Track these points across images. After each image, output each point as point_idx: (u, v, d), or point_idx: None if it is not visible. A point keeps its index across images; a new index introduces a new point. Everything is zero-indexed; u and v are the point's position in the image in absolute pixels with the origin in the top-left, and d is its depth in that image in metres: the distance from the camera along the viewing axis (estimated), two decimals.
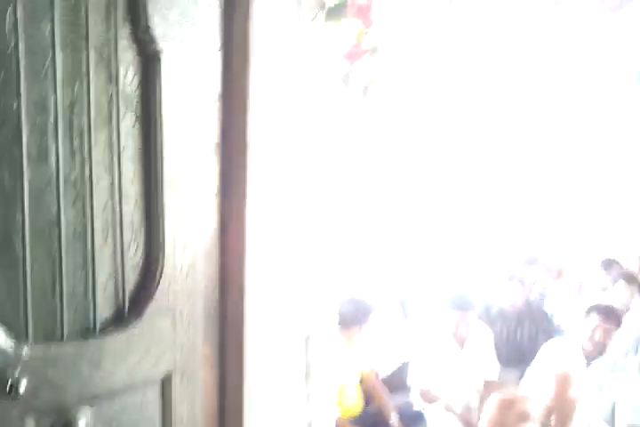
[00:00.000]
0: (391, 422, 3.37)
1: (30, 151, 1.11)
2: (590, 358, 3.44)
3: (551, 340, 3.73)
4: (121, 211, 1.27)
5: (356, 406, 3.39)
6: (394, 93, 3.02)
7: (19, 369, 1.08)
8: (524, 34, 3.83)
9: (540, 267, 5.61)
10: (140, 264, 1.33)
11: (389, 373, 4.08)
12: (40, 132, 1.13)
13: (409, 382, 3.77)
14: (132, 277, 1.31)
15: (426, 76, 3.64)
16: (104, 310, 1.26)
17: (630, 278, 4.53)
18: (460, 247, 5.87)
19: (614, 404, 3.34)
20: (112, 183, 1.25)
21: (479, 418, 3.43)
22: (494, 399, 2.83)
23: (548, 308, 4.99)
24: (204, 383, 1.47)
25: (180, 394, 1.39)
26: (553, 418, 2.52)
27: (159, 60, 1.28)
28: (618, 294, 4.43)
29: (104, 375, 1.24)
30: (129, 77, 1.27)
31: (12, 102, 1.07)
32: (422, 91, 3.88)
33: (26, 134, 1.10)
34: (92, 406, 1.23)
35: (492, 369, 3.85)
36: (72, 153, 1.18)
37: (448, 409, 3.60)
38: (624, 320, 4.32)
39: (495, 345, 3.97)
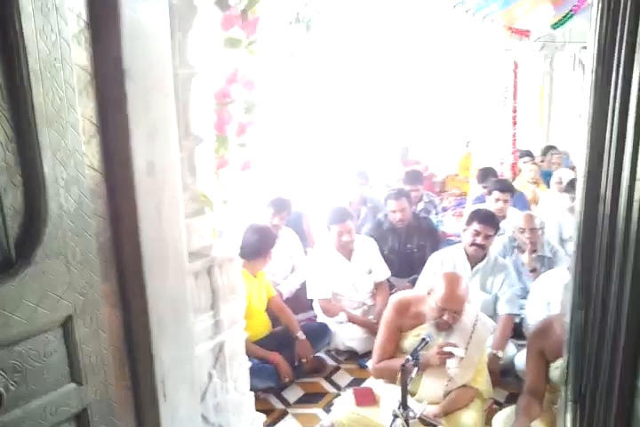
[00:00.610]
0: (298, 335, 3.54)
1: None
2: (474, 261, 3.76)
3: (440, 250, 4.01)
4: None
5: (263, 329, 3.54)
6: None
7: None
8: None
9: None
10: (22, 208, 1.25)
11: (292, 294, 4.27)
12: None
13: (309, 296, 3.98)
14: (15, 223, 1.24)
15: None
16: None
17: (503, 187, 4.87)
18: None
19: (496, 298, 3.72)
20: None
21: (376, 318, 3.72)
22: (390, 303, 3.05)
23: (434, 220, 5.31)
24: (108, 323, 1.45)
25: (83, 336, 1.37)
26: (445, 315, 2.74)
27: None
28: (494, 203, 4.78)
29: None
30: None
31: None
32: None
33: None
34: None
35: (381, 273, 4.13)
36: None
37: (350, 319, 3.85)
38: (501, 225, 4.73)
39: (387, 259, 4.24)
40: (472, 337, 2.89)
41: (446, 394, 2.85)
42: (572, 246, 3.37)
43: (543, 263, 4.12)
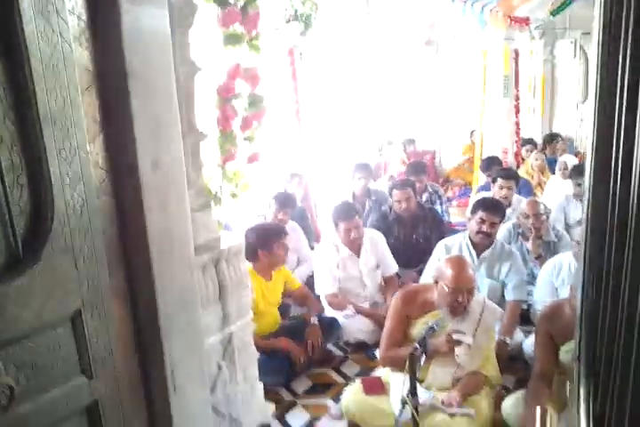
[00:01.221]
0: (312, 319, 3.55)
1: None
2: (480, 249, 3.77)
3: (446, 238, 4.02)
4: None
5: (273, 324, 3.53)
6: None
7: None
8: None
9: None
10: (28, 206, 1.27)
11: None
12: None
13: (317, 292, 3.97)
14: (22, 221, 1.26)
15: None
16: None
17: (507, 175, 4.87)
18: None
19: (503, 285, 3.73)
20: None
21: (384, 312, 3.73)
22: (398, 293, 3.07)
23: (439, 209, 5.32)
24: (116, 317, 1.48)
25: (92, 330, 1.40)
26: (460, 297, 2.75)
27: None
28: (498, 190, 4.79)
29: (9, 321, 1.23)
30: None
31: None
32: None
33: None
34: (1, 352, 1.22)
35: (390, 267, 4.13)
36: None
37: (358, 311, 3.86)
38: (507, 213, 4.74)
39: (393, 249, 4.22)
40: (480, 324, 2.91)
41: (455, 381, 2.87)
42: (578, 231, 3.42)
43: (549, 249, 4.13)
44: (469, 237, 3.80)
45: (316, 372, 3.49)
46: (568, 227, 4.73)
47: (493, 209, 3.76)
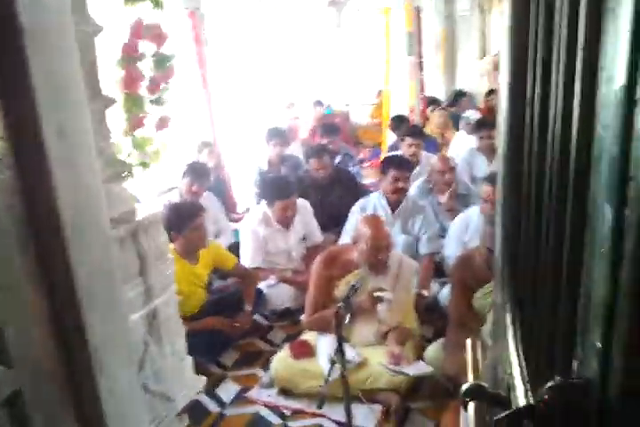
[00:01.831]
0: (246, 306, 3.47)
1: None
2: (394, 206, 3.86)
3: (361, 199, 4.07)
4: None
5: (198, 303, 3.39)
6: None
7: None
8: None
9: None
10: None
11: None
12: None
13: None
14: None
15: None
16: None
17: (414, 133, 4.99)
18: None
19: (417, 239, 3.86)
20: None
21: (307, 278, 3.76)
22: (319, 257, 3.10)
23: (352, 171, 5.39)
24: (32, 299, 1.38)
25: (6, 315, 1.29)
26: (380, 254, 2.81)
27: None
28: (407, 148, 4.90)
29: None
30: None
31: None
32: None
33: None
34: None
35: (316, 236, 4.15)
36: None
37: (281, 279, 3.87)
38: (416, 170, 4.87)
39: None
40: (398, 279, 3.01)
41: (379, 337, 2.96)
42: (481, 185, 3.57)
43: (459, 202, 4.29)
44: (383, 195, 3.88)
45: (244, 342, 3.45)
46: (473, 180, 4.91)
47: (403, 166, 3.88)
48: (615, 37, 0.51)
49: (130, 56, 1.69)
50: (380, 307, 2.91)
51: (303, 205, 4.09)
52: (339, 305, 2.60)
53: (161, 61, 1.77)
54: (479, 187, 4.57)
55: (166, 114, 1.90)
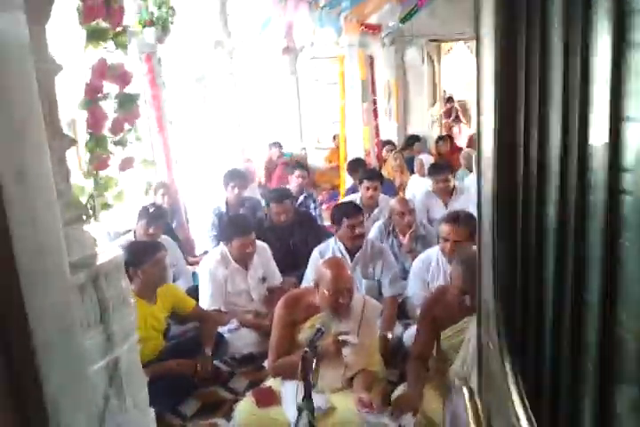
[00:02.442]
0: (206, 350, 3.34)
1: None
2: (353, 251, 3.86)
3: (320, 245, 4.04)
4: None
5: (156, 348, 3.27)
6: None
7: None
8: None
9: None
10: None
11: None
12: None
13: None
14: None
15: None
16: None
17: (372, 176, 5.06)
18: None
19: (379, 283, 3.85)
20: None
21: (269, 322, 3.67)
22: (281, 300, 3.03)
23: (313, 213, 5.39)
24: None
25: None
26: (340, 298, 2.76)
27: None
28: (365, 191, 4.95)
29: None
30: None
31: None
32: None
33: None
34: None
35: (276, 277, 4.09)
36: None
37: (242, 323, 3.77)
38: (375, 212, 4.91)
39: (273, 257, 4.18)
40: (362, 321, 2.96)
41: (344, 382, 2.89)
42: (441, 227, 3.62)
43: (418, 243, 4.33)
44: (340, 242, 3.86)
45: (204, 391, 3.28)
46: (430, 222, 4.99)
47: (355, 212, 3.86)
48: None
49: (93, 97, 1.65)
50: (345, 351, 2.85)
51: (262, 246, 4.04)
52: (305, 349, 2.55)
53: (125, 102, 1.73)
54: (437, 227, 4.67)
55: (130, 155, 1.86)
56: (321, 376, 2.85)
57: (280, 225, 4.59)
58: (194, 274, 4.47)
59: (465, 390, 1.10)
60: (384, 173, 6.45)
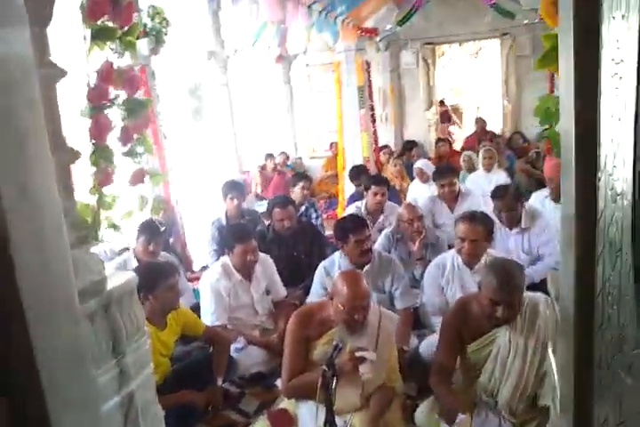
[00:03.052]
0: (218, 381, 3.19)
1: None
2: (359, 265, 3.64)
3: (325, 260, 3.86)
4: None
5: (162, 374, 3.08)
6: None
7: None
8: None
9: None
10: None
11: None
12: None
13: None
14: None
15: None
16: None
17: (379, 181, 4.93)
18: None
19: (391, 295, 3.70)
20: None
21: (278, 339, 3.53)
22: (293, 316, 2.87)
23: (315, 223, 5.25)
24: None
25: None
26: (356, 315, 2.61)
27: None
28: (372, 197, 4.82)
29: None
30: None
31: None
32: None
33: None
34: None
35: (280, 290, 3.94)
36: None
37: (250, 342, 3.61)
38: (380, 220, 4.79)
39: (277, 269, 4.03)
40: (379, 335, 2.81)
41: (363, 400, 2.74)
42: (456, 225, 3.49)
43: (427, 250, 4.19)
44: (346, 257, 3.68)
45: (214, 416, 3.10)
46: (436, 227, 4.87)
47: (361, 226, 3.65)
48: None
49: (98, 103, 1.50)
50: (362, 368, 2.69)
51: (265, 258, 3.91)
52: (323, 368, 2.40)
53: (135, 109, 1.58)
54: (443, 233, 4.54)
55: (140, 167, 1.70)
56: (338, 396, 2.71)
57: (283, 235, 4.46)
58: (195, 291, 4.32)
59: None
60: None
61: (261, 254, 3.85)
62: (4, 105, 1.06)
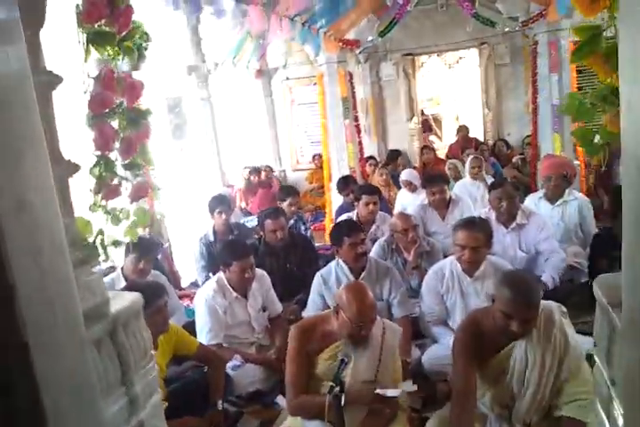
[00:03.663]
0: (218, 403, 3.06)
1: None
2: (357, 272, 3.62)
3: (321, 270, 3.80)
4: None
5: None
6: None
7: None
8: None
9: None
10: None
11: None
12: None
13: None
14: None
15: None
16: None
17: (370, 191, 4.87)
18: None
19: (388, 303, 3.63)
20: None
21: (276, 355, 3.43)
22: (293, 331, 2.77)
23: (307, 234, 5.19)
24: None
25: None
26: (363, 330, 2.52)
27: None
28: (364, 207, 4.76)
29: None
30: None
31: None
32: None
33: None
34: None
35: (276, 306, 3.84)
36: None
37: (246, 359, 3.50)
38: (372, 230, 4.72)
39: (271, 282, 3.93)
40: (383, 347, 2.72)
41: (369, 415, 2.65)
42: (455, 232, 3.44)
43: (422, 258, 4.14)
44: (344, 264, 3.64)
45: None
46: (427, 236, 4.80)
47: (355, 230, 3.64)
48: None
49: (99, 111, 1.40)
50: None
51: (261, 273, 3.80)
52: (331, 384, 2.31)
53: (136, 118, 1.48)
54: (437, 241, 4.49)
55: (145, 180, 1.59)
56: (345, 412, 2.61)
57: (276, 247, 4.38)
58: (187, 309, 4.19)
59: None
60: None
61: (258, 270, 3.76)
62: (2, 124, 0.96)
